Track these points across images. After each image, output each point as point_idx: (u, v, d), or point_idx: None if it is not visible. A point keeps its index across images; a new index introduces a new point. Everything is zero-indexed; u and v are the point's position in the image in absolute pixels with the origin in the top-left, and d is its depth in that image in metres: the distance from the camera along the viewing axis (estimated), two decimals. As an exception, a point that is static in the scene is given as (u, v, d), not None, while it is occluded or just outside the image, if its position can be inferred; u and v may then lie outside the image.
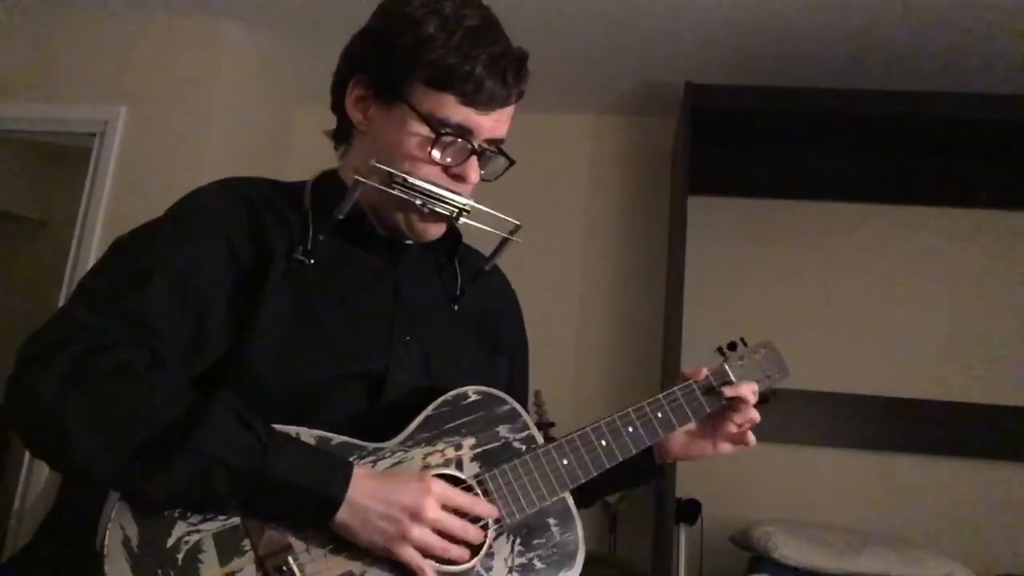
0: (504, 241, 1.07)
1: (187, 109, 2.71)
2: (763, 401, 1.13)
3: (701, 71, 2.66)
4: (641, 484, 1.19)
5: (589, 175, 3.20)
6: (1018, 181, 2.81)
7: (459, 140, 0.95)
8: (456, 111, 0.94)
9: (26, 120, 2.82)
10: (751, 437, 1.11)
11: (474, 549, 0.89)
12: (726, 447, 1.12)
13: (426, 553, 0.85)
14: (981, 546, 2.57)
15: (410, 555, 0.84)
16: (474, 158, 0.97)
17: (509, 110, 0.99)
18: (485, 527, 0.90)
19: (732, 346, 1.16)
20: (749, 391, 1.09)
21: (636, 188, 3.16)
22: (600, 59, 2.81)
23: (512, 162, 1.02)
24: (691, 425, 1.11)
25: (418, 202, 0.96)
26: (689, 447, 1.13)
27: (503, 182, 1.04)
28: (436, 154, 0.95)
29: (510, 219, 1.03)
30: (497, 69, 0.93)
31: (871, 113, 2.58)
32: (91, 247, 2.61)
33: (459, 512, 0.88)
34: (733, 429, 1.11)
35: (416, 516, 0.84)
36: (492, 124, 0.96)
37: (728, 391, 1.09)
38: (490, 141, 0.98)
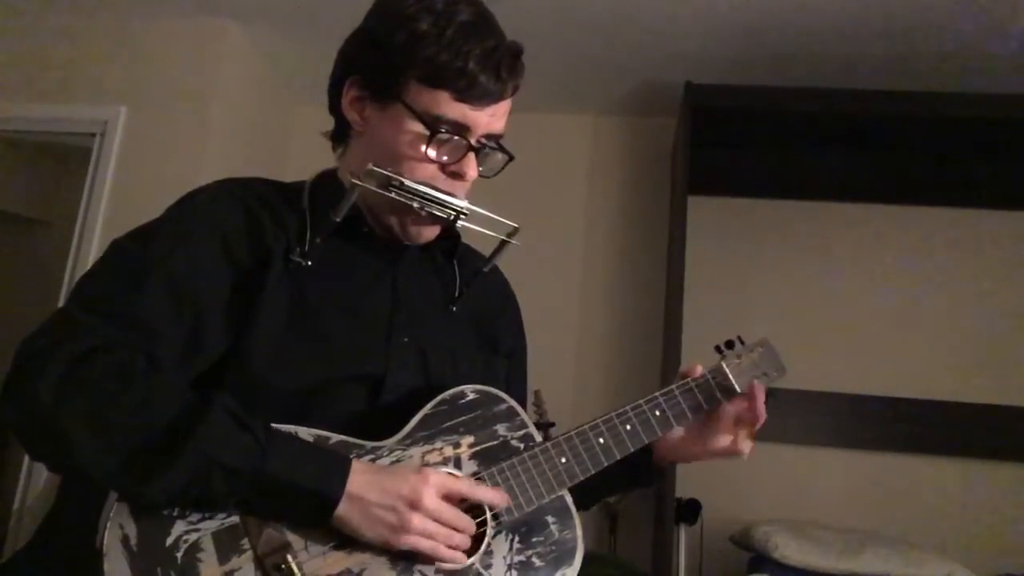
0: (502, 244, 1.07)
1: (187, 109, 2.71)
2: (761, 399, 1.13)
3: (701, 71, 2.66)
4: (641, 486, 1.17)
5: (589, 175, 3.20)
6: (1018, 181, 2.81)
7: (455, 137, 0.95)
8: (451, 108, 0.93)
9: (26, 120, 2.82)
10: (744, 445, 1.08)
11: (473, 546, 0.89)
12: (716, 451, 1.09)
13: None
14: (981, 546, 2.57)
15: (412, 542, 0.84)
16: (471, 155, 0.96)
17: (505, 104, 0.98)
18: (483, 524, 0.90)
19: (729, 344, 1.15)
20: (758, 385, 1.07)
21: (636, 188, 3.16)
22: (600, 59, 2.80)
23: (511, 157, 1.01)
24: (684, 426, 1.09)
25: (415, 205, 0.96)
26: (679, 449, 1.11)
27: (503, 182, 1.04)
28: (432, 152, 0.95)
29: (508, 222, 1.03)
30: (490, 64, 0.93)
31: (871, 113, 2.58)
32: (91, 247, 2.61)
33: (460, 500, 0.88)
34: (726, 440, 1.08)
35: (415, 505, 0.84)
36: (488, 119, 0.96)
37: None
38: (488, 137, 0.98)
